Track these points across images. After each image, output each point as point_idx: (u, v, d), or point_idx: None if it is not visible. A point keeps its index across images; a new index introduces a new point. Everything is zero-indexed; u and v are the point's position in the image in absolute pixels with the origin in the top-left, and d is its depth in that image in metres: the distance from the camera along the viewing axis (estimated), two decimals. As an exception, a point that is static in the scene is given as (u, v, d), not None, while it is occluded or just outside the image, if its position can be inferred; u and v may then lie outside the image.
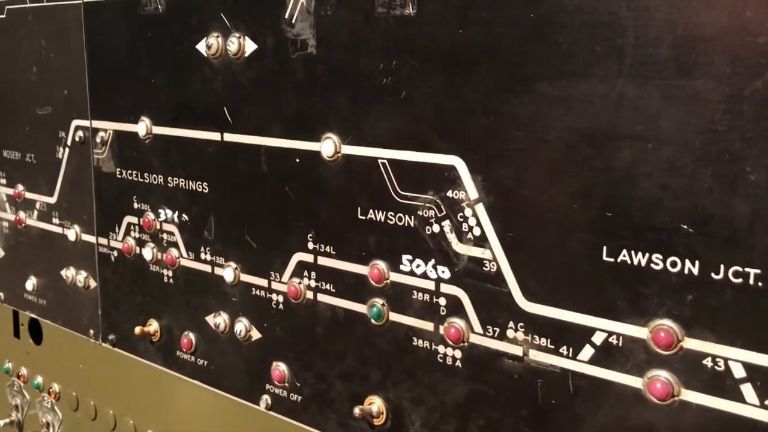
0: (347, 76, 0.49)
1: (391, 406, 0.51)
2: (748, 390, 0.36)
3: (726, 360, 0.37)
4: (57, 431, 0.81)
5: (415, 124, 0.47)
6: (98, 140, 0.69)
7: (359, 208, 0.51)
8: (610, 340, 0.41)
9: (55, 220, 0.76)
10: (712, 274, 0.36)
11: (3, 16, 0.78)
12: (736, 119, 0.35)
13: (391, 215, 0.49)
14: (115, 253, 0.70)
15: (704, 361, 0.37)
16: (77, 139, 0.71)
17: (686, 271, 0.37)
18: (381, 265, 0.50)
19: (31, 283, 0.80)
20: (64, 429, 0.81)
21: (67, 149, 0.73)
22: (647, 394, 0.39)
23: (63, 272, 0.76)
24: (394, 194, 0.48)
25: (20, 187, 0.80)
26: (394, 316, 0.50)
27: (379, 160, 0.49)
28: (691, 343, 0.38)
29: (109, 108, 0.67)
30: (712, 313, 0.37)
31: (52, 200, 0.76)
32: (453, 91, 0.44)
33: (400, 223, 0.48)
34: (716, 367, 0.37)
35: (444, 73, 0.45)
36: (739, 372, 0.36)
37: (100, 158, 0.69)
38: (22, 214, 0.80)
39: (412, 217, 0.48)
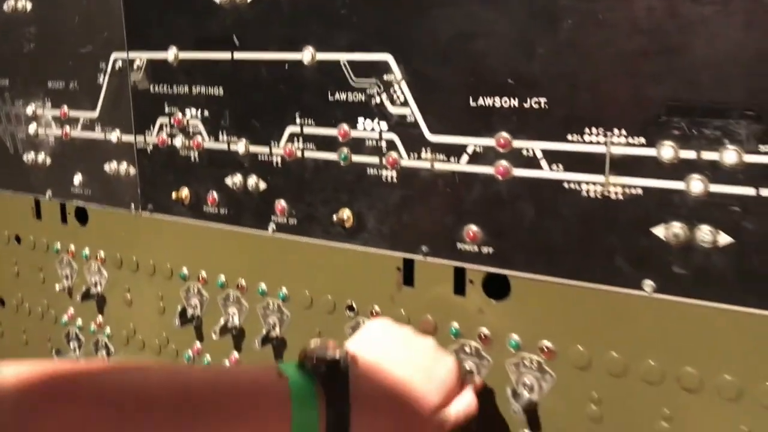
0: (315, 5, 0.80)
1: (354, 213, 0.83)
2: (544, 164, 0.70)
3: (533, 150, 0.70)
4: (103, 287, 1.11)
5: (362, 35, 0.78)
6: (135, 67, 0.98)
7: (328, 93, 0.82)
8: (476, 150, 0.74)
9: (98, 129, 1.04)
10: (524, 104, 0.70)
11: (44, -21, 1.04)
12: None
13: (350, 94, 0.81)
14: (151, 146, 0.99)
15: (522, 152, 0.71)
16: (116, 68, 1.00)
17: (511, 106, 0.71)
18: (345, 126, 0.81)
19: (77, 179, 1.08)
20: (110, 284, 1.10)
21: (107, 75, 1.01)
22: (496, 176, 0.73)
23: (106, 166, 1.04)
24: (351, 81, 0.80)
25: (65, 108, 1.07)
26: (355, 158, 0.82)
27: (341, 62, 0.80)
28: (516, 143, 0.71)
29: (142, 41, 0.96)
30: (526, 125, 0.70)
31: (95, 114, 1.04)
32: (384, 7, 0.76)
33: (356, 99, 0.80)
34: (527, 154, 0.71)
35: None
36: (539, 155, 0.70)
37: (137, 80, 0.98)
38: (67, 128, 1.08)
39: (363, 94, 0.80)
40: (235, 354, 0.98)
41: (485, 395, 0.77)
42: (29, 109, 1.12)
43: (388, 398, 0.66)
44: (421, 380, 0.68)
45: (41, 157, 1.12)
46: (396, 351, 0.71)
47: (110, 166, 1.04)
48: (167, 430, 0.57)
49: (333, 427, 0.62)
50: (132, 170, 1.02)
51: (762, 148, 0.60)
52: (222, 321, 0.95)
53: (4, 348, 1.28)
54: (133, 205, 1.03)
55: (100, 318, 1.13)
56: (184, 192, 0.96)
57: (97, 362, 0.60)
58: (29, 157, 1.13)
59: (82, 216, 1.12)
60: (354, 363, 0.66)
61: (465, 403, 0.71)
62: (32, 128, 1.12)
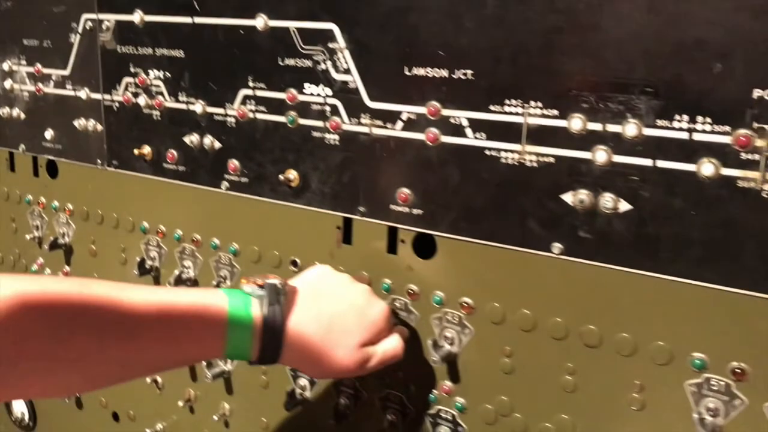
0: (271, -21, 0.85)
1: (300, 173, 0.88)
2: (469, 132, 0.75)
3: (460, 118, 0.75)
4: (71, 238, 1.16)
5: (311, 4, 0.83)
6: (104, 28, 1.02)
7: (278, 58, 0.87)
8: (410, 117, 0.79)
9: (69, 86, 1.09)
10: (453, 75, 0.75)
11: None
12: (460, -3, 0.73)
13: (298, 61, 0.85)
14: (117, 104, 1.04)
15: (450, 120, 0.76)
16: (87, 27, 1.04)
17: (441, 77, 0.75)
18: (293, 91, 0.86)
19: (49, 134, 1.13)
20: (76, 236, 1.15)
21: (78, 35, 1.06)
22: (427, 142, 0.78)
23: (75, 122, 1.09)
24: (299, 48, 0.85)
25: (38, 65, 1.12)
26: (302, 121, 0.87)
27: (290, 29, 0.85)
28: (444, 112, 0.76)
29: (111, 3, 1.01)
30: (454, 95, 0.75)
31: (66, 72, 1.08)
32: (330, -13, 0.81)
33: (303, 65, 0.85)
34: (454, 122, 0.76)
35: (325, -23, 0.81)
36: (465, 123, 0.75)
37: (105, 40, 1.03)
38: (40, 85, 1.12)
39: (310, 60, 0.84)
40: (190, 305, 1.03)
41: (412, 343, 0.82)
42: (5, 65, 1.16)
43: (319, 325, 0.72)
44: (352, 316, 0.74)
45: (15, 112, 1.17)
46: (332, 289, 0.77)
47: (79, 123, 1.09)
48: (106, 341, 0.61)
49: (266, 346, 0.68)
50: (99, 127, 1.07)
51: (659, 122, 0.65)
52: (176, 272, 1.00)
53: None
54: (99, 161, 1.08)
55: (67, 268, 1.18)
56: (146, 149, 1.01)
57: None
58: (4, 111, 1.18)
59: (52, 170, 1.17)
60: (291, 293, 0.72)
61: (392, 345, 0.77)
62: (8, 84, 1.17)
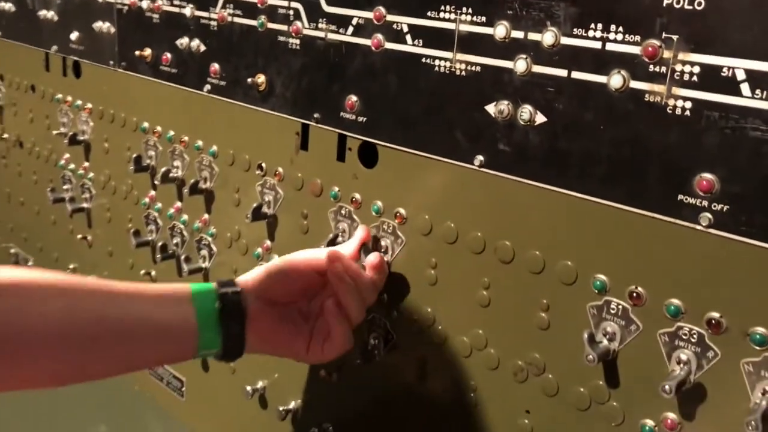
0: None
1: (267, 78, 0.90)
2: (408, 38, 0.75)
3: (401, 24, 0.75)
4: (89, 135, 1.24)
5: None
6: (116, -69, 1.07)
7: (255, -37, 0.89)
8: (359, 21, 0.79)
9: (90, -10, 1.15)
10: (392, 27, 0.74)
11: None
12: None
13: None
14: (126, 7, 1.09)
15: (393, 26, 0.76)
16: (103, -69, 1.10)
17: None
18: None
19: (74, 35, 1.20)
20: (94, 134, 1.23)
21: (97, -61, 1.11)
22: (372, 48, 0.78)
23: (94, 24, 1.16)
24: (269, -48, 0.86)
25: (67, -31, 1.19)
26: (270, 25, 0.88)
27: (265, -67, 0.87)
28: (388, 17, 0.76)
29: None
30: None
31: (88, -24, 1.15)
32: None
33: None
34: (396, 28, 0.75)
35: None
36: (406, 29, 0.75)
37: (117, -56, 1.08)
38: (68, -12, 1.19)
39: (278, -36, 0.86)
40: (178, 203, 1.09)
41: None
42: (42, -31, 1.24)
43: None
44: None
45: (50, 14, 1.25)
46: None
47: (97, 25, 1.15)
48: (83, 355, 0.66)
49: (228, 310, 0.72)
50: (112, 29, 1.12)
51: (576, 31, 0.63)
52: (163, 169, 1.06)
53: (21, 186, 1.46)
54: (111, 62, 1.14)
55: (86, 163, 1.27)
56: (147, 51, 1.06)
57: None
58: (42, 13, 1.27)
59: (77, 70, 1.24)
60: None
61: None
62: (44, -13, 1.25)
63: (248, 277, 0.77)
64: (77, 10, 1.19)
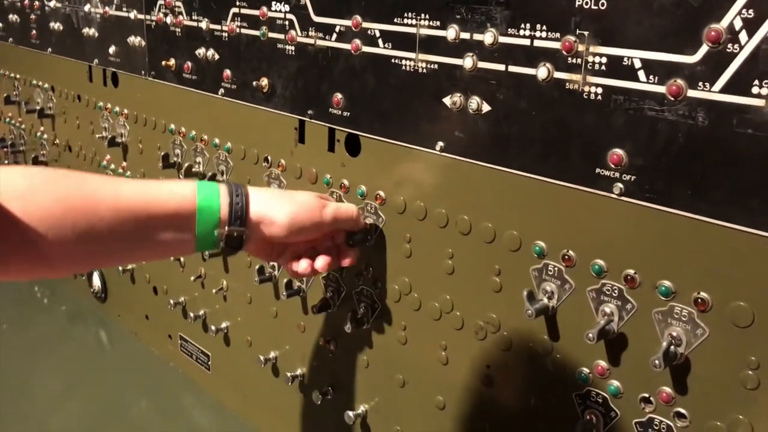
0: None
1: (269, 81, 1.03)
2: (380, 42, 0.86)
3: (374, 30, 0.86)
4: (126, 138, 1.39)
5: (274, -66, 0.96)
6: (144, -44, 1.22)
7: (256, -19, 1.01)
8: (341, 29, 0.91)
9: (124, 9, 1.30)
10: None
11: None
12: None
13: None
14: (153, 23, 1.24)
15: (368, 32, 0.87)
16: (133, -43, 1.24)
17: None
18: (264, 8, 1.00)
19: (112, 49, 1.36)
20: (131, 136, 1.38)
21: (128, -36, 1.26)
22: (352, 51, 0.89)
23: (128, 39, 1.31)
24: (267, -29, 0.99)
25: (105, -9, 1.34)
26: (271, 34, 1.01)
27: (264, -45, 0.99)
28: (364, 24, 0.87)
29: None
30: (369, 9, 0.86)
31: (122, -4, 1.30)
32: None
33: None
34: (370, 33, 0.87)
35: None
36: (378, 35, 0.86)
37: (145, -33, 1.22)
38: (107, 8, 1.35)
39: (275, -19, 0.98)
40: (201, 195, 1.22)
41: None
42: (85, -8, 1.40)
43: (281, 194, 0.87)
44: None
45: (92, 31, 1.40)
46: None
47: (130, 39, 1.30)
48: (103, 217, 0.73)
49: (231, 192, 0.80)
50: (143, 43, 1.27)
51: (510, 30, 0.73)
52: (186, 165, 1.19)
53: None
54: (143, 72, 1.28)
55: (124, 162, 1.42)
56: (172, 61, 1.20)
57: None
58: (85, 31, 1.42)
59: (115, 80, 1.39)
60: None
61: (345, 204, 0.91)
62: (87, 7, 1.40)
63: (263, 212, 0.81)
64: (114, 26, 1.34)
